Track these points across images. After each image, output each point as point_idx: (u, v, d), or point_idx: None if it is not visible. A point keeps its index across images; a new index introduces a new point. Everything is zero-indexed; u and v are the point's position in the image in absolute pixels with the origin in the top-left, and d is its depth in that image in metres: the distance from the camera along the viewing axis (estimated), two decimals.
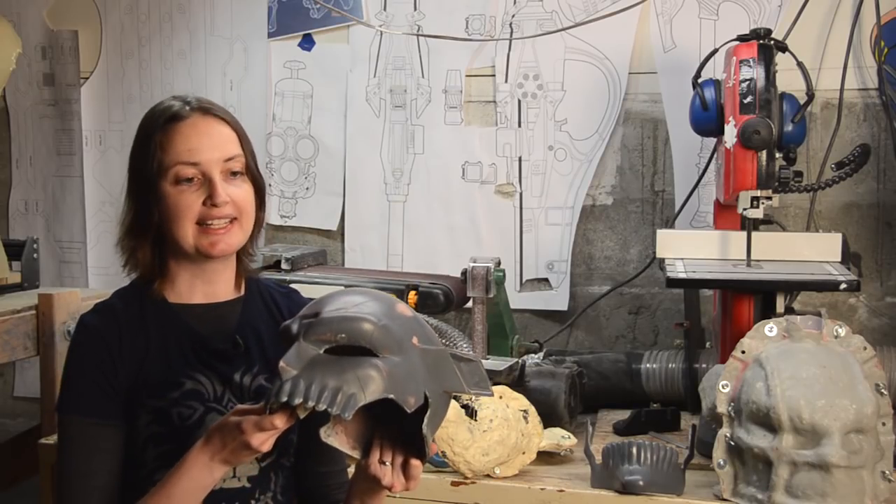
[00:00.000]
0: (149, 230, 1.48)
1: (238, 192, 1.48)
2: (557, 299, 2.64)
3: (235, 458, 1.33)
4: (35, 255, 2.61)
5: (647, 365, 2.27)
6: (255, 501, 1.50)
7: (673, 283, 2.01)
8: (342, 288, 2.37)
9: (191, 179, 1.45)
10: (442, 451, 1.81)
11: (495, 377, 2.05)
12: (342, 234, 2.81)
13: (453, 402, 1.86)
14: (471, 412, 1.85)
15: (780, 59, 2.09)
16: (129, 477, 1.45)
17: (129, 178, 1.51)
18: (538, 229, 2.65)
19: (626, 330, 2.62)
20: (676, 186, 2.54)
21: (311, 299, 1.43)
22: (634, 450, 1.76)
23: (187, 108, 1.48)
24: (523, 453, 1.87)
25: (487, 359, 2.15)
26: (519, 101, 2.64)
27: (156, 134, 1.47)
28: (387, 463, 1.35)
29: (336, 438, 1.35)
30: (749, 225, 2.05)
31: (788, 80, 2.12)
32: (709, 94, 2.14)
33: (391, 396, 1.26)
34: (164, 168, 1.45)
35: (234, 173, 1.48)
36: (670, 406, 2.18)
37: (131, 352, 1.46)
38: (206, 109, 1.49)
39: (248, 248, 1.56)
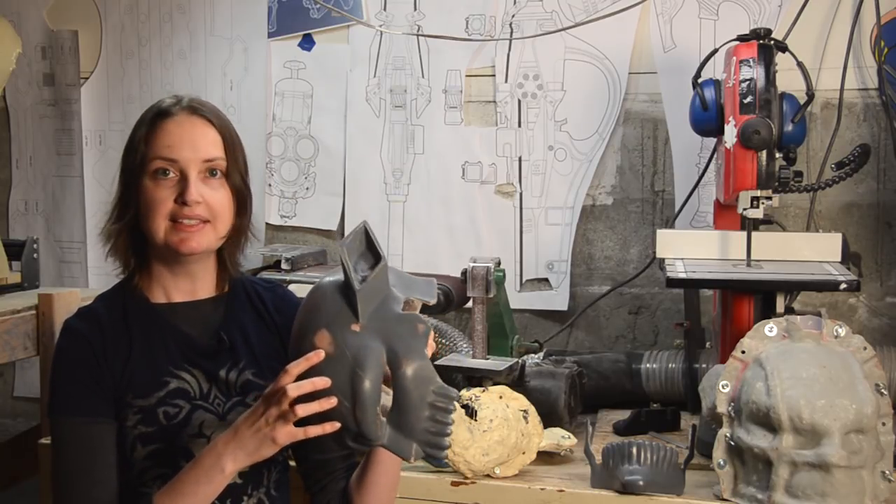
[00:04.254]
0: (126, 220, 1.50)
1: (213, 195, 1.49)
2: (557, 299, 2.64)
3: (257, 447, 1.34)
4: (35, 255, 2.61)
5: (647, 365, 2.27)
6: (248, 497, 1.51)
7: (673, 283, 2.01)
8: None
9: (167, 174, 1.46)
10: None
11: (495, 377, 2.06)
12: (342, 234, 2.81)
13: None
14: (471, 412, 1.85)
15: (780, 59, 2.08)
16: (119, 477, 1.46)
17: (119, 170, 1.53)
18: (538, 229, 2.65)
19: (626, 330, 2.62)
20: (676, 186, 2.54)
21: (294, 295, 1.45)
22: (634, 450, 1.76)
23: (177, 106, 1.50)
24: (523, 453, 1.87)
25: (488, 359, 2.15)
26: (519, 101, 2.64)
27: (142, 128, 1.49)
28: None
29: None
30: (749, 225, 2.05)
31: (788, 80, 2.12)
32: (709, 94, 2.14)
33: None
34: (145, 162, 1.48)
35: (213, 174, 1.49)
36: (670, 406, 2.18)
37: (115, 353, 1.47)
38: (195, 109, 1.50)
39: (233, 254, 1.57)
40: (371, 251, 1.38)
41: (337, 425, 1.32)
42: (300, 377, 1.32)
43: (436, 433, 1.35)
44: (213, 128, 1.51)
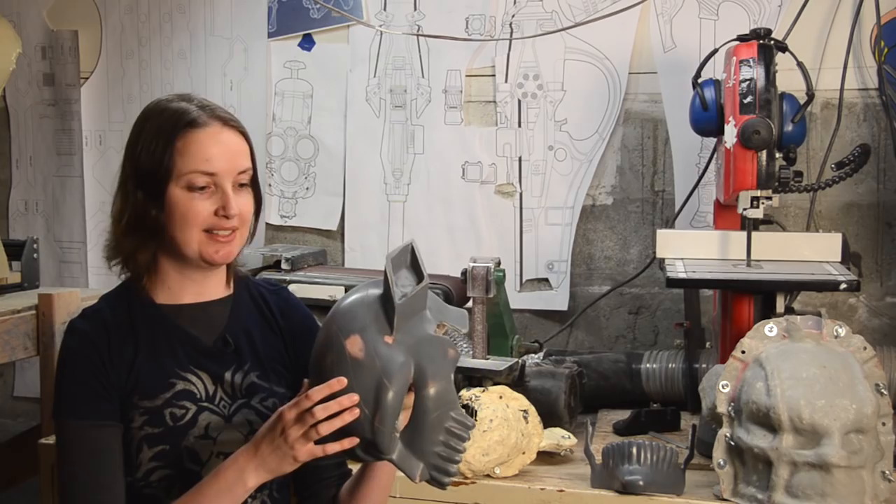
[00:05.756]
0: (147, 230, 1.48)
1: (244, 204, 1.50)
2: (557, 299, 2.64)
3: (278, 464, 1.35)
4: (35, 255, 2.61)
5: (647, 365, 2.27)
6: (252, 500, 1.51)
7: (673, 283, 2.01)
8: (342, 289, 2.38)
9: (204, 188, 1.46)
10: None
11: (495, 377, 2.06)
12: (342, 234, 2.81)
13: None
14: (471, 412, 1.85)
15: (780, 59, 2.09)
16: (125, 479, 1.46)
17: (131, 174, 1.49)
18: (538, 229, 2.65)
19: (626, 330, 2.62)
20: (676, 186, 2.54)
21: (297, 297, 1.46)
22: (634, 450, 1.76)
23: (204, 115, 1.48)
24: (523, 453, 1.87)
25: (488, 359, 2.15)
26: (519, 101, 2.64)
27: (174, 137, 1.46)
28: None
29: None
30: (749, 225, 2.05)
31: (788, 80, 2.12)
32: (709, 94, 2.14)
33: None
34: (178, 173, 1.45)
35: (242, 185, 1.50)
36: (670, 406, 2.18)
37: (121, 355, 1.47)
38: (226, 120, 1.50)
39: (240, 252, 1.58)
40: (414, 269, 1.39)
41: (355, 441, 1.32)
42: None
43: (446, 458, 1.35)
44: (243, 137, 1.51)
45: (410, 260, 1.40)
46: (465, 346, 2.30)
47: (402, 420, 1.35)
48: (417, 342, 1.34)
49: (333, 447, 1.33)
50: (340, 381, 1.31)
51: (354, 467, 1.59)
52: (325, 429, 1.31)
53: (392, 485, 1.58)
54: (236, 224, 1.48)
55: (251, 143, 1.53)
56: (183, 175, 1.45)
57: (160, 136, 1.47)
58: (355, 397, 1.30)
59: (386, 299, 1.34)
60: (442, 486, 1.37)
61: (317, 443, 1.33)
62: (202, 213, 1.46)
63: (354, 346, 1.32)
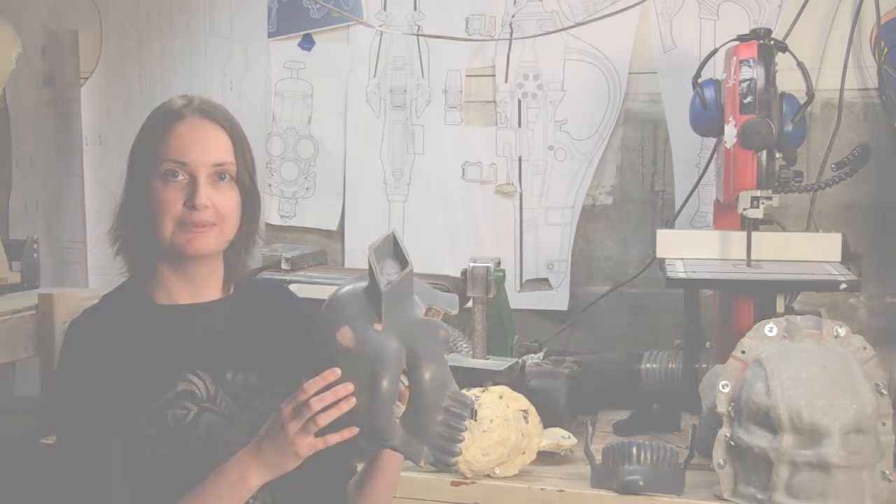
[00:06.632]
0: (133, 220, 1.50)
1: (221, 199, 1.48)
2: (557, 299, 2.64)
3: (281, 461, 1.35)
4: (35, 255, 2.61)
5: (647, 365, 2.27)
6: (254, 500, 1.50)
7: (673, 283, 2.01)
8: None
9: (176, 175, 1.46)
10: None
11: (495, 377, 2.06)
12: (342, 234, 2.81)
13: None
14: (471, 412, 1.84)
15: (780, 59, 2.09)
16: (125, 480, 1.46)
17: (126, 171, 1.53)
18: (538, 229, 2.65)
19: (626, 330, 2.62)
20: (676, 186, 2.54)
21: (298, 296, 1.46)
22: (634, 450, 1.76)
23: (188, 108, 1.50)
24: (523, 453, 1.87)
25: (488, 359, 2.15)
26: (519, 101, 2.64)
27: (152, 129, 1.49)
28: None
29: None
30: (749, 225, 2.05)
31: (788, 80, 2.12)
32: (709, 94, 2.14)
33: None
34: (155, 163, 1.47)
35: (222, 178, 1.48)
36: (670, 406, 2.18)
37: (122, 355, 1.47)
38: (206, 112, 1.50)
39: (240, 257, 1.57)
40: (398, 258, 1.40)
41: (355, 430, 1.33)
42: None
43: (448, 438, 1.36)
44: (224, 131, 1.50)
45: (393, 249, 1.40)
46: (465, 345, 2.30)
47: (398, 413, 1.36)
48: (407, 326, 1.35)
49: (334, 438, 1.33)
50: (334, 372, 1.32)
51: (361, 466, 1.59)
52: (323, 420, 1.31)
53: (398, 481, 1.57)
54: (209, 218, 1.46)
55: (240, 141, 1.52)
56: (159, 164, 1.46)
57: (146, 131, 1.50)
58: (350, 386, 1.31)
59: (372, 288, 1.35)
60: (448, 466, 1.38)
61: (317, 435, 1.33)
62: (172, 203, 1.45)
63: (345, 336, 1.33)
